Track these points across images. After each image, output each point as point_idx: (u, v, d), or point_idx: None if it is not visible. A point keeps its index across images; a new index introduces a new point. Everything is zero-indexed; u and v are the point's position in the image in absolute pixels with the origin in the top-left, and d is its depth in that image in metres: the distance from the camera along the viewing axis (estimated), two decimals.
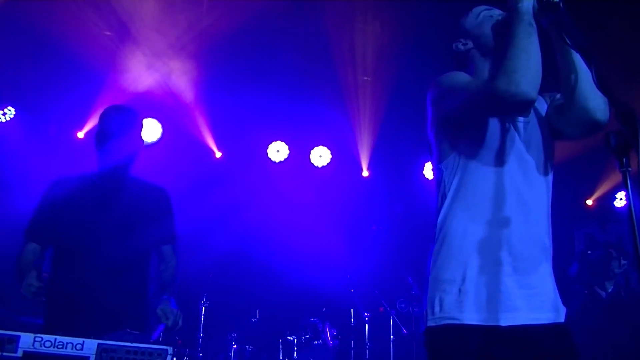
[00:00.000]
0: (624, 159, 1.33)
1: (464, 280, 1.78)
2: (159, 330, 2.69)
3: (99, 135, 2.74)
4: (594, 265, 4.60)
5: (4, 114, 6.05)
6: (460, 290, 1.78)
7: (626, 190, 1.32)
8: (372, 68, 6.41)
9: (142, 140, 2.86)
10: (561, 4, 1.73)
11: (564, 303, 1.89)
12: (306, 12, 5.63)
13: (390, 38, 5.92)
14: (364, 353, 5.56)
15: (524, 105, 1.75)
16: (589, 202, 7.49)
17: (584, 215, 7.50)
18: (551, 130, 1.98)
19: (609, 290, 4.51)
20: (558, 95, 1.98)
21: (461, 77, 1.93)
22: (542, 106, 2.01)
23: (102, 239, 2.68)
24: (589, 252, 4.81)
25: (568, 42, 1.67)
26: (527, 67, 1.69)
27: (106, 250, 2.67)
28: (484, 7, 2.06)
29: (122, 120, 2.75)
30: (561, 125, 1.95)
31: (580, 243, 7.46)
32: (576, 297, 4.51)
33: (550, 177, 1.96)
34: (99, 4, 5.54)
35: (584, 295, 4.54)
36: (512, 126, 1.91)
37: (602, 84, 1.46)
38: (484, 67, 1.99)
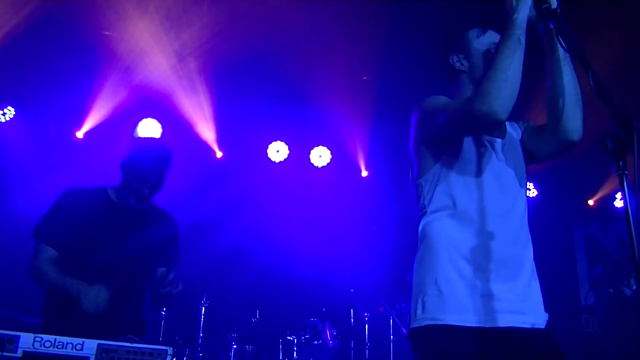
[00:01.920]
0: (621, 162, 1.35)
1: (445, 282, 1.83)
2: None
3: (132, 169, 2.74)
4: (618, 266, 4.65)
5: (4, 114, 6.05)
6: (441, 291, 1.82)
7: (623, 193, 1.34)
8: (371, 68, 6.42)
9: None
10: (559, 11, 1.75)
11: (570, 302, 1.94)
12: (305, 13, 5.62)
13: (389, 38, 5.92)
14: (364, 353, 5.56)
15: (493, 124, 1.86)
16: (591, 202, 7.49)
17: (584, 215, 7.50)
18: (525, 153, 2.08)
19: (633, 288, 4.54)
20: (532, 123, 2.11)
21: (441, 100, 2.02)
22: (517, 132, 2.12)
23: (110, 257, 2.70)
24: (611, 254, 4.87)
25: (565, 47, 1.69)
26: (500, 88, 1.76)
27: (113, 266, 2.69)
28: (494, 37, 2.06)
29: (159, 167, 2.77)
30: (536, 146, 2.07)
31: (581, 243, 7.46)
32: (602, 298, 4.56)
33: (524, 192, 2.05)
34: (98, 4, 5.54)
35: (610, 294, 4.58)
36: (490, 146, 2.00)
37: (599, 88, 1.47)
38: (468, 92, 2.04)
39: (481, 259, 1.85)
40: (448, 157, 1.97)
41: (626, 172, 1.35)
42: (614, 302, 4.52)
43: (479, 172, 1.95)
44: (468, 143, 1.98)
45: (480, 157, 1.97)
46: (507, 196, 1.95)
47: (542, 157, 2.09)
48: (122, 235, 2.77)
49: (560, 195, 6.90)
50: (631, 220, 1.28)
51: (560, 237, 7.05)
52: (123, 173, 2.78)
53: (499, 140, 2.00)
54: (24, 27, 5.51)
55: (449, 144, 1.98)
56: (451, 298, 1.80)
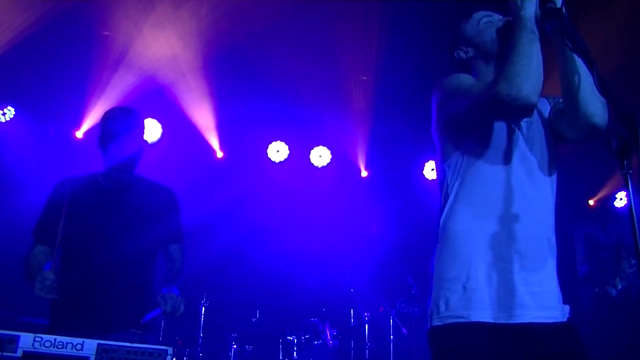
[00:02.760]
0: (625, 162, 1.34)
1: (468, 278, 1.78)
2: (153, 314, 2.67)
3: (102, 137, 2.75)
4: (604, 265, 4.64)
5: (4, 114, 6.05)
6: (465, 288, 1.77)
7: (627, 192, 1.33)
8: (370, 68, 6.42)
9: (145, 140, 2.86)
10: (563, 9, 1.74)
11: (570, 302, 1.90)
12: (305, 12, 5.62)
13: (388, 38, 5.92)
14: (364, 353, 5.56)
15: (525, 110, 1.75)
16: (591, 202, 7.49)
17: (584, 215, 7.51)
18: (553, 133, 1.99)
19: (619, 287, 4.55)
20: (561, 99, 1.98)
21: (465, 79, 1.93)
22: (545, 108, 2.03)
23: (108, 240, 2.70)
24: (598, 252, 4.86)
25: (570, 46, 1.68)
26: (529, 72, 1.70)
27: (112, 250, 2.68)
28: (483, 13, 2.06)
29: (123, 120, 2.75)
30: (562, 128, 1.97)
31: (580, 243, 7.47)
32: (587, 297, 4.55)
33: (554, 176, 1.98)
34: (98, 4, 5.54)
35: (595, 293, 4.57)
36: (515, 127, 1.93)
37: (603, 87, 1.46)
38: (487, 73, 1.99)
39: (506, 251, 1.79)
40: (471, 140, 1.91)
41: (630, 171, 1.34)
42: (599, 301, 4.52)
43: (504, 157, 1.88)
44: (492, 125, 1.90)
45: (505, 139, 1.90)
46: (534, 182, 1.88)
47: (570, 139, 1.97)
48: (114, 217, 2.75)
49: (560, 195, 6.88)
50: (635, 221, 1.27)
51: (560, 237, 7.04)
52: (99, 147, 2.77)
53: (524, 119, 1.93)
54: (24, 28, 5.51)
55: (471, 127, 1.91)
56: (475, 294, 1.75)
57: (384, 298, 5.73)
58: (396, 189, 7.16)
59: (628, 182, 1.33)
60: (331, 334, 5.48)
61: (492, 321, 1.74)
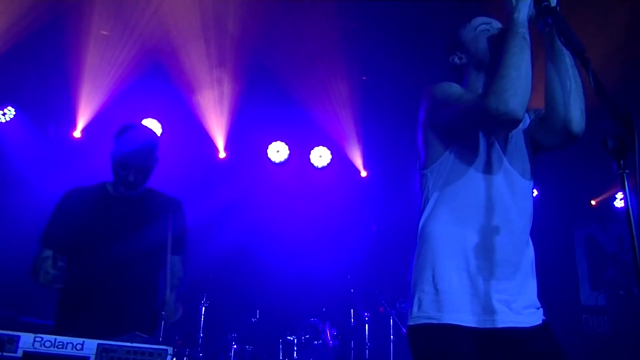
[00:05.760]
0: (621, 162, 1.34)
1: (441, 280, 1.82)
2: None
3: (115, 162, 2.75)
4: (628, 268, 4.66)
5: (4, 114, 6.06)
6: (437, 290, 1.81)
7: (624, 192, 1.33)
8: (370, 68, 6.42)
9: (156, 158, 2.86)
10: (558, 8, 1.75)
11: (571, 300, 1.92)
12: (305, 13, 5.63)
13: (388, 38, 5.92)
14: (364, 353, 5.56)
15: (512, 123, 1.81)
16: (593, 202, 7.48)
17: (585, 215, 7.50)
18: (532, 144, 2.04)
19: None
20: (543, 110, 2.03)
21: (454, 89, 1.96)
22: (525, 120, 2.05)
23: (113, 246, 2.72)
24: (622, 255, 4.89)
25: (565, 44, 1.69)
26: (516, 87, 1.73)
27: (118, 258, 2.71)
28: (482, 19, 2.07)
29: (140, 154, 2.75)
30: (540, 135, 2.01)
31: (581, 243, 7.46)
32: (613, 300, 4.58)
33: (531, 187, 2.01)
34: (98, 4, 5.54)
35: (620, 296, 4.60)
36: (498, 139, 1.96)
37: (599, 86, 1.46)
38: (477, 83, 2.02)
39: (480, 257, 1.83)
40: (455, 148, 1.94)
41: (627, 171, 1.34)
42: (625, 303, 4.55)
43: (486, 167, 1.92)
44: (476, 135, 1.94)
45: (488, 150, 1.94)
46: (514, 193, 1.91)
47: (546, 147, 2.02)
48: (121, 225, 2.77)
49: (560, 195, 6.90)
50: (632, 221, 1.28)
51: (560, 237, 7.05)
52: (111, 163, 2.79)
53: (507, 133, 1.97)
54: (24, 27, 5.51)
55: (457, 135, 1.94)
56: (448, 296, 1.79)
57: (384, 298, 5.73)
58: (396, 189, 7.16)
59: (624, 182, 1.33)
60: (331, 334, 5.48)
61: (462, 324, 1.77)
